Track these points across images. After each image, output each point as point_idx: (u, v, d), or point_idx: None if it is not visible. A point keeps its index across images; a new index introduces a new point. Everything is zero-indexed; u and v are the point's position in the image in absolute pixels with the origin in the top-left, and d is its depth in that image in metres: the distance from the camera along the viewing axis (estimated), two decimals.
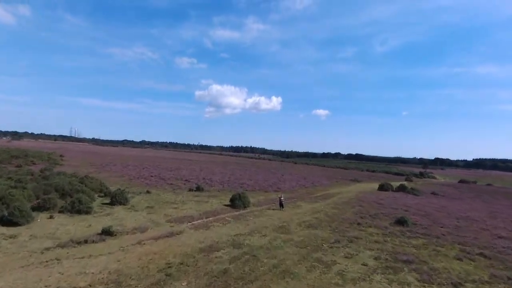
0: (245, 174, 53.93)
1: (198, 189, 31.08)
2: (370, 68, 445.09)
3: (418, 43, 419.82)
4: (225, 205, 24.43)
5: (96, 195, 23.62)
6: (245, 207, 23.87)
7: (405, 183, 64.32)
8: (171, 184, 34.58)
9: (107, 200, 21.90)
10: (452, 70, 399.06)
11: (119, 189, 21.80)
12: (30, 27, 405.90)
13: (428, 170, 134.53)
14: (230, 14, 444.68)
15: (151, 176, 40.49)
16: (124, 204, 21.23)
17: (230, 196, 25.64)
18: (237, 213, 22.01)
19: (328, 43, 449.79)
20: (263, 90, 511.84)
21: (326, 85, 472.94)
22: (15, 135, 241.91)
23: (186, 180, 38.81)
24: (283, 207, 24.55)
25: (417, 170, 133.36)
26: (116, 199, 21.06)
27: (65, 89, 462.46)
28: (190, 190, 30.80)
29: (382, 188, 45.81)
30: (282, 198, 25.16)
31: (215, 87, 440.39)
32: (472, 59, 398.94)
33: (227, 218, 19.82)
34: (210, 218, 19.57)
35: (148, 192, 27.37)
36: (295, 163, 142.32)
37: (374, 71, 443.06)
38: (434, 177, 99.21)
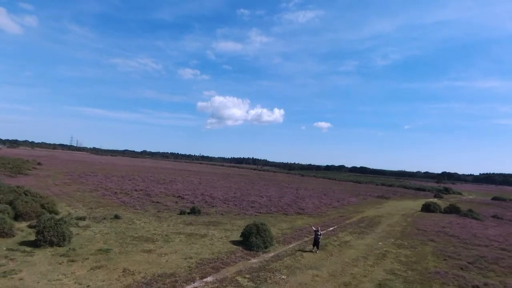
0: (253, 189, 44.60)
1: (194, 211, 21.84)
2: (371, 81, 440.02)
3: (420, 57, 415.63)
4: (234, 241, 15.21)
5: (23, 225, 14.54)
6: (266, 247, 14.61)
7: (436, 200, 54.86)
8: (157, 202, 25.39)
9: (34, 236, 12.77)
10: (454, 84, 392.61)
11: (53, 218, 12.69)
12: (36, 38, 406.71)
13: (442, 185, 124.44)
14: (234, 27, 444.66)
15: (135, 191, 31.35)
16: (58, 245, 12.10)
17: (240, 226, 16.55)
18: (255, 261, 12.77)
19: (330, 57, 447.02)
20: (265, 102, 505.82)
21: (327, 98, 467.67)
22: (14, 143, 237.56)
23: (179, 197, 29.62)
24: (317, 246, 15.09)
25: (431, 184, 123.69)
26: (44, 236, 11.94)
27: (68, 99, 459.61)
28: (182, 213, 21.56)
29: (427, 209, 36.26)
30: (319, 234, 15.61)
31: (218, 99, 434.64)
32: (473, 74, 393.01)
33: (239, 280, 10.55)
34: (208, 279, 10.33)
35: (116, 217, 18.18)
36: (303, 176, 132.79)
37: (376, 85, 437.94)
38: (460, 193, 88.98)
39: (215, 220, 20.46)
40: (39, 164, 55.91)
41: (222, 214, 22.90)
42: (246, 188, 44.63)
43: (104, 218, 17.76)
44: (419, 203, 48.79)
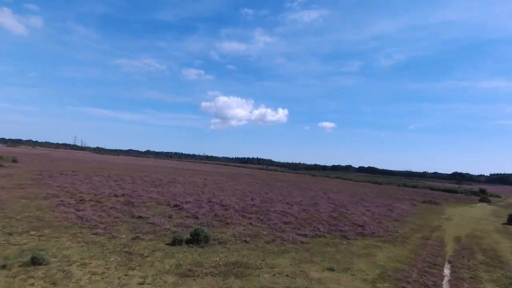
0: (272, 193, 35.07)
1: (197, 237, 12.21)
2: (375, 82, 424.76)
3: (424, 57, 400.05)
4: None
5: None
6: None
7: (487, 205, 44.94)
8: (140, 217, 15.96)
9: None
10: (458, 84, 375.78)
11: None
12: (41, 38, 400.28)
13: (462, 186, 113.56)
14: (237, 27, 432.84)
15: (114, 196, 22.01)
16: None
17: (288, 274, 7.34)
18: None
19: (333, 57, 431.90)
20: (269, 102, 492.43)
21: (331, 98, 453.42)
22: (18, 142, 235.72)
23: (176, 206, 20.17)
24: None
25: (450, 185, 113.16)
26: None
27: (73, 99, 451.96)
28: (176, 241, 11.95)
29: None
30: None
31: (221, 99, 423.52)
32: (478, 74, 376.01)
33: None
34: None
35: (35, 261, 8.70)
36: (314, 176, 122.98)
37: (379, 85, 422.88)
38: (499, 196, 78.43)
39: (237, 259, 10.90)
40: (14, 161, 47.06)
41: (245, 240, 13.36)
42: (264, 191, 35.10)
43: (4, 266, 8.33)
44: (481, 210, 38.86)
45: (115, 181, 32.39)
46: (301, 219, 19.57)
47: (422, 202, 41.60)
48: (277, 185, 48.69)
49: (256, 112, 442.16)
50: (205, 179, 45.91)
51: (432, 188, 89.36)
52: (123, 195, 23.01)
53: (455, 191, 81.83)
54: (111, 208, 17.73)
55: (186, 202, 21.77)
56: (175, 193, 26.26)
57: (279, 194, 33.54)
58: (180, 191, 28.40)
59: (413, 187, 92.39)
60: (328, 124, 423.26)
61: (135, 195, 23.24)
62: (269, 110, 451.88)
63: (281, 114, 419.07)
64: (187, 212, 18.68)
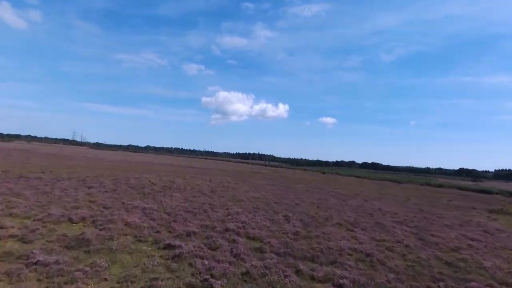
0: (305, 204, 25.99)
1: None
2: (376, 77, 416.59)
3: (426, 53, 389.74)
4: None
5: None
6: None
7: None
8: None
9: None
10: (461, 80, 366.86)
11: None
12: (41, 33, 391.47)
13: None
14: (238, 21, 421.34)
15: (68, 222, 12.92)
16: None
17: None
18: None
19: (335, 52, 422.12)
20: (270, 97, 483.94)
21: (332, 94, 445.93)
22: (16, 138, 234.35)
23: (169, 248, 11.10)
24: None
25: (464, 183, 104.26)
26: None
27: (73, 94, 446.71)
28: None
29: None
30: None
31: (222, 94, 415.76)
32: (481, 69, 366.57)
33: None
34: None
35: None
36: (324, 173, 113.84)
37: (381, 80, 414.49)
38: None
39: None
40: None
41: None
42: (293, 201, 25.99)
43: None
44: None
45: (88, 187, 23.28)
46: (402, 273, 10.45)
47: (490, 212, 32.48)
48: (299, 188, 39.61)
49: (257, 108, 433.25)
50: (210, 182, 36.86)
51: (460, 188, 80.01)
52: (83, 219, 13.90)
53: (489, 192, 72.40)
54: (33, 264, 8.60)
55: (188, 234, 12.68)
56: (170, 211, 17.16)
57: (315, 206, 24.45)
58: (178, 205, 19.28)
59: (439, 186, 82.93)
60: (329, 120, 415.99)
61: (103, 218, 14.12)
62: (269, 106, 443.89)
63: (282, 109, 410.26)
64: (190, 265, 9.58)
